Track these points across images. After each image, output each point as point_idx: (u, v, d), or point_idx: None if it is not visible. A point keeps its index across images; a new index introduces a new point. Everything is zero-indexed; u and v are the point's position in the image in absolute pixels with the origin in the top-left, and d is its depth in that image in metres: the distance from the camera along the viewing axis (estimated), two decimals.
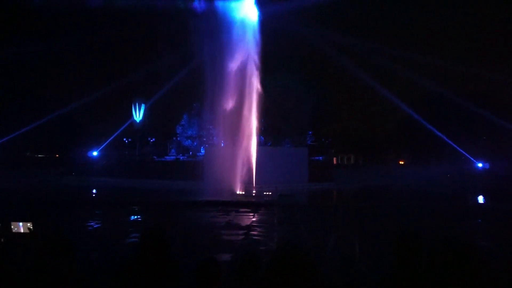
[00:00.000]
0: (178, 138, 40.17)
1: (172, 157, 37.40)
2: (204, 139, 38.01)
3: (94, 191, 24.49)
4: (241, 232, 10.29)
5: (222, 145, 33.43)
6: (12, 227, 3.50)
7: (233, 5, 21.38)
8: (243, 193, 20.22)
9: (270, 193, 19.94)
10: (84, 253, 4.36)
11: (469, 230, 10.75)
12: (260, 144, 24.51)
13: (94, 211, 14.42)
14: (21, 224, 3.49)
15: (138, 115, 41.97)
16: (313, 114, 35.90)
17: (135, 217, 14.09)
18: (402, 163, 44.39)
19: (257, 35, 21.56)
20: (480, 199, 21.17)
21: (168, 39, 35.54)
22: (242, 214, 14.39)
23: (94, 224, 11.45)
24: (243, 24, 21.58)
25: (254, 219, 13.08)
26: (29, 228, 3.46)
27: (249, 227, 11.16)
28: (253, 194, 19.98)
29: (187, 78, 32.13)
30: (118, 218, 13.38)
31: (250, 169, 20.75)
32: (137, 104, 41.95)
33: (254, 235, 9.95)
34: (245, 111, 21.15)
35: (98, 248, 6.66)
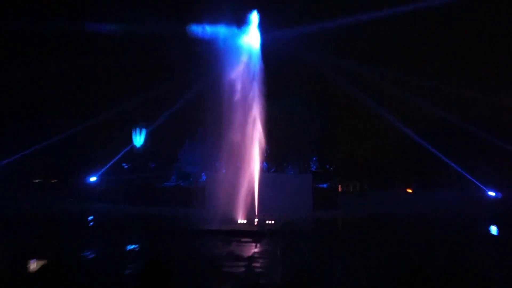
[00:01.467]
0: (180, 164, 40.32)
1: (173, 183, 37.39)
2: (206, 165, 38.11)
3: (91, 217, 24.44)
4: (242, 263, 10.23)
5: (224, 171, 33.58)
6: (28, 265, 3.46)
7: (235, 31, 22.17)
8: (245, 221, 20.11)
9: (273, 221, 19.81)
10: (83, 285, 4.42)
11: (480, 263, 10.60)
12: (263, 170, 24.58)
13: (90, 237, 14.40)
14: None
15: (138, 140, 42.41)
16: (317, 139, 36.11)
17: (134, 246, 14.04)
18: (410, 191, 44.09)
19: (260, 60, 22.18)
20: (493, 229, 20.85)
21: (170, 64, 36.45)
22: (244, 244, 14.32)
23: (89, 254, 11.43)
24: (246, 49, 22.28)
25: (256, 250, 13.00)
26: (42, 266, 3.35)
27: (251, 258, 11.09)
28: (255, 223, 19.86)
29: (189, 103, 32.71)
30: (116, 246, 13.34)
31: (252, 197, 20.71)
32: (138, 129, 42.46)
33: (256, 267, 9.89)
34: (248, 137, 21.39)
35: (97, 280, 6.70)
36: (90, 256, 10.73)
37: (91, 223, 22.14)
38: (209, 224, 18.42)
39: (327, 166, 41.21)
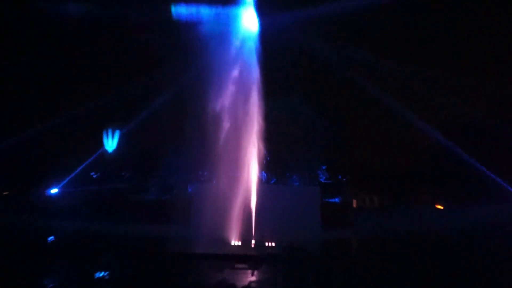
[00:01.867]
0: (161, 173, 40.18)
1: (152, 196, 37.22)
2: (193, 175, 37.99)
3: (51, 238, 24.22)
4: None
5: (214, 182, 33.45)
6: None
7: (229, 12, 22.22)
8: (240, 243, 20.01)
9: (273, 244, 19.72)
10: None
11: None
12: (261, 181, 24.55)
13: (50, 263, 14.23)
14: None
15: (110, 144, 42.27)
16: (327, 144, 36.13)
17: (103, 273, 13.88)
18: (441, 207, 44.05)
19: (258, 50, 22.22)
20: None
21: (151, 54, 36.40)
22: (238, 271, 14.23)
23: (48, 284, 11.29)
24: (241, 36, 22.32)
25: (253, 278, 12.92)
26: None
27: None
28: (252, 245, 19.75)
29: (174, 100, 32.64)
30: (81, 273, 13.17)
31: (248, 213, 20.65)
32: (110, 131, 42.32)
33: None
34: (244, 141, 21.37)
35: None
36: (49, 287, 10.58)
37: (51, 245, 21.94)
38: (195, 246, 18.30)
39: (339, 177, 41.18)
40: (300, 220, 24.64)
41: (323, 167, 38.78)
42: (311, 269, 14.45)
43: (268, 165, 30.43)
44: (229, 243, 19.89)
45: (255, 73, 21.98)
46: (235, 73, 21.88)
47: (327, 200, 34.37)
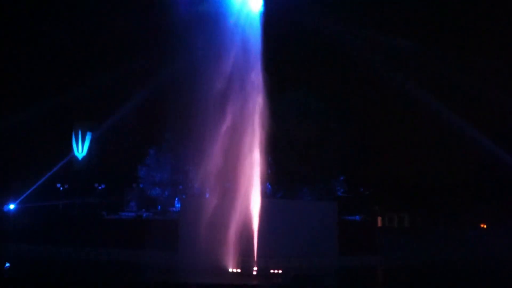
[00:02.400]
0: (141, 185, 40.30)
1: (131, 213, 37.36)
2: (180, 187, 38.10)
3: (7, 265, 24.41)
4: None
5: (207, 195, 33.51)
6: None
7: None
8: (239, 270, 20.15)
9: (279, 271, 19.83)
10: None
11: None
12: (265, 195, 24.70)
13: None
14: None
15: (80, 150, 42.45)
16: (345, 150, 36.17)
17: None
18: (485, 226, 44.03)
19: (262, 34, 22.36)
20: None
21: (129, 39, 36.58)
22: None
23: None
24: (241, 17, 22.47)
25: None
26: None
27: None
28: (254, 273, 19.87)
29: (156, 96, 32.81)
30: None
31: (249, 234, 20.79)
32: (79, 133, 42.54)
33: None
34: (244, 146, 21.54)
35: None
36: None
37: (6, 274, 22.08)
38: (184, 275, 18.46)
39: (361, 190, 41.22)
40: (312, 243, 24.81)
41: (341, 178, 38.78)
42: None
43: (274, 176, 30.51)
44: (226, 271, 20.03)
45: (258, 62, 22.12)
46: (233, 62, 22.00)
47: (345, 218, 34.44)
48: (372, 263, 27.26)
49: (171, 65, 25.26)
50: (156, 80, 31.76)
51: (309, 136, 34.31)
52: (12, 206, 36.89)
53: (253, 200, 21.33)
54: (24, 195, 37.81)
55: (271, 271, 19.93)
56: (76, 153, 42.10)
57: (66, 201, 39.47)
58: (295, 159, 34.41)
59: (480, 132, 37.30)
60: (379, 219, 41.97)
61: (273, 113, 22.70)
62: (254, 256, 20.61)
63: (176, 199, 36.90)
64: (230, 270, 20.17)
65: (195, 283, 17.16)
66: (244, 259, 20.57)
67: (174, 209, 36.25)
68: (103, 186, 42.57)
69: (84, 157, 42.27)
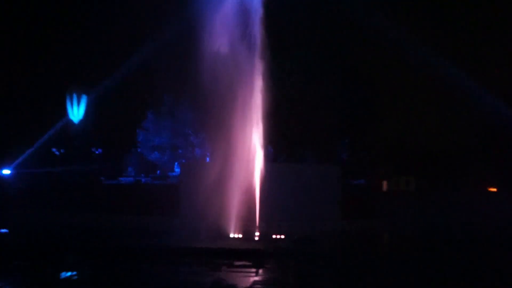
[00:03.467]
0: (140, 150, 40.50)
1: (130, 178, 37.68)
2: (180, 151, 38.29)
3: (3, 230, 24.74)
4: None
5: (207, 160, 33.68)
6: None
7: None
8: (241, 236, 20.40)
9: (282, 236, 20.06)
10: None
11: None
12: (267, 159, 24.73)
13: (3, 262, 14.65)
14: None
15: (76, 113, 42.32)
16: (349, 113, 36.09)
17: (70, 273, 14.28)
18: (494, 190, 44.13)
19: None
20: None
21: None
22: (238, 270, 14.58)
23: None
24: None
25: (257, 279, 13.25)
26: None
27: None
28: (256, 238, 20.14)
29: (154, 58, 32.52)
30: (43, 273, 13.55)
31: (251, 199, 20.91)
32: (75, 97, 42.28)
33: None
34: (245, 109, 21.42)
35: None
36: None
37: (4, 239, 22.41)
38: (186, 240, 18.69)
39: (365, 153, 41.29)
40: (315, 207, 25.03)
41: (345, 141, 38.86)
42: (328, 268, 14.79)
43: (276, 139, 30.50)
44: (227, 236, 20.26)
45: (257, 19, 21.74)
46: (234, 26, 21.63)
47: (349, 182, 34.67)
48: (376, 227, 27.55)
49: (171, 23, 24.86)
50: (153, 40, 31.44)
51: (312, 97, 34.17)
52: (6, 172, 37.00)
53: (254, 164, 21.32)
54: (19, 160, 37.93)
55: (273, 236, 20.17)
56: (71, 117, 41.93)
57: (63, 167, 39.66)
58: (297, 121, 34.37)
59: (490, 92, 37.01)
60: (385, 182, 42.17)
61: (275, 74, 22.49)
62: (256, 221, 20.76)
63: (176, 163, 37.14)
64: (232, 235, 20.41)
65: (197, 247, 17.39)
66: (246, 224, 20.75)
67: (173, 174, 36.55)
68: (100, 150, 42.74)
69: (80, 121, 42.16)
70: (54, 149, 41.98)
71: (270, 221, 21.06)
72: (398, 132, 48.25)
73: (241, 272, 14.27)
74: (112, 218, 26.76)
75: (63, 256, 17.22)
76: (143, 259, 16.22)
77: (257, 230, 20.62)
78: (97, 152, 44.21)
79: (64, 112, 41.87)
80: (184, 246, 17.59)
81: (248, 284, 12.15)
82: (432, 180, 46.34)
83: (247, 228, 20.68)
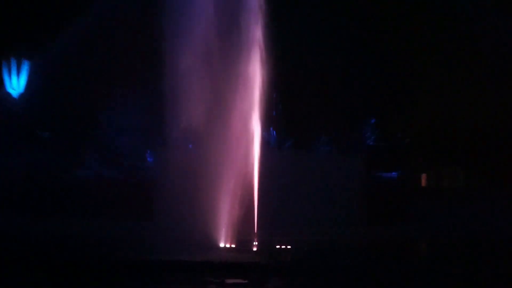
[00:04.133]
0: (102, 133, 40.50)
1: (89, 171, 37.76)
2: (155, 135, 38.34)
3: None
4: None
5: (190, 146, 33.65)
6: None
7: None
8: (234, 246, 20.53)
9: (288, 246, 20.19)
10: None
11: None
12: (268, 145, 24.84)
13: None
14: None
15: (16, 84, 42.28)
16: (378, 87, 36.13)
17: None
18: None
19: None
20: None
21: None
22: None
23: None
24: None
25: None
26: None
27: None
28: (254, 249, 20.28)
29: (126, 8, 32.44)
30: None
31: (248, 198, 21.04)
32: (13, 63, 42.22)
33: None
34: (239, 78, 21.47)
35: None
36: None
37: None
38: (162, 251, 18.79)
39: (398, 136, 41.34)
40: (332, 209, 25.24)
41: (371, 122, 38.98)
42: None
43: (280, 119, 30.63)
44: (217, 246, 20.37)
45: None
46: None
47: (377, 175, 34.80)
48: (411, 236, 27.58)
49: None
50: None
51: (329, 66, 34.15)
52: None
53: (252, 151, 21.41)
54: None
55: (277, 246, 20.24)
56: (9, 89, 41.91)
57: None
58: (309, 96, 34.37)
59: None
60: (424, 176, 42.31)
61: (280, 34, 22.50)
62: (254, 227, 20.90)
63: (149, 151, 37.18)
64: (222, 245, 20.49)
65: (177, 260, 17.47)
66: (241, 231, 20.85)
67: (146, 164, 36.61)
68: (48, 134, 42.59)
69: (21, 95, 42.12)
70: None
71: (272, 226, 21.19)
72: (442, 110, 48.17)
73: None
74: (70, 223, 26.91)
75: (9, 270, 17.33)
76: (109, 276, 16.33)
77: (255, 238, 20.73)
78: (45, 136, 44.17)
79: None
80: (159, 260, 17.67)
81: None
82: (487, 174, 46.47)
83: (242, 236, 20.79)
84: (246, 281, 15.42)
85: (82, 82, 41.30)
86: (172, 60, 21.71)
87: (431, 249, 25.80)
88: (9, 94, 41.86)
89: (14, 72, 42.07)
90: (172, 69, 21.88)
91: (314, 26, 33.77)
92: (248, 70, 21.40)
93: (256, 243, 20.57)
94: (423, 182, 41.60)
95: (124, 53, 36.15)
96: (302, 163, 26.87)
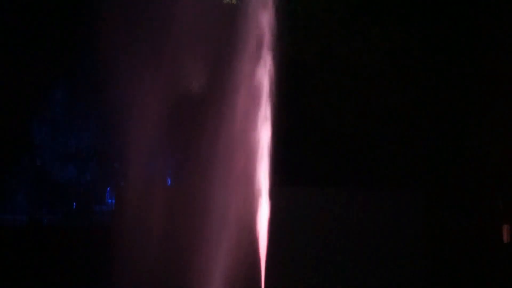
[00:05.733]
0: (38, 160, 41.21)
1: (20, 216, 38.41)
2: (116, 165, 39.04)
3: None
4: None
5: (169, 181, 34.30)
6: None
7: None
8: None
9: None
10: None
11: None
12: (282, 179, 25.30)
13: None
14: None
15: None
16: (436, 93, 36.90)
17: None
18: None
19: None
20: None
21: None
22: None
23: None
24: None
25: None
26: None
27: None
28: None
29: None
30: None
31: (250, 251, 21.60)
32: None
33: None
34: (240, 92, 22.45)
35: None
36: None
37: None
38: None
39: (471, 169, 41.83)
40: (375, 268, 25.59)
41: (428, 144, 39.57)
42: None
43: (297, 139, 31.03)
44: None
45: None
46: None
47: (439, 218, 35.34)
48: None
49: None
50: None
51: (368, 66, 34.95)
52: None
53: (256, 188, 21.75)
54: None
55: None
56: None
57: None
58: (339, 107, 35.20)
59: None
60: (505, 228, 42.67)
61: (285, 36, 23.37)
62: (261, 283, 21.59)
63: (108, 189, 37.83)
64: None
65: None
66: None
67: (104, 207, 37.21)
68: None
69: None
70: None
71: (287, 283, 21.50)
72: None
73: None
74: None
75: None
76: None
77: None
78: None
79: None
80: None
81: None
82: None
83: None
84: None
85: (12, 86, 42.04)
86: (148, 65, 22.55)
87: None
88: None
89: None
90: (145, 77, 22.77)
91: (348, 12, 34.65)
92: (255, 74, 22.16)
93: None
94: (505, 236, 41.87)
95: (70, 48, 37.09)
96: (327, 204, 26.43)
